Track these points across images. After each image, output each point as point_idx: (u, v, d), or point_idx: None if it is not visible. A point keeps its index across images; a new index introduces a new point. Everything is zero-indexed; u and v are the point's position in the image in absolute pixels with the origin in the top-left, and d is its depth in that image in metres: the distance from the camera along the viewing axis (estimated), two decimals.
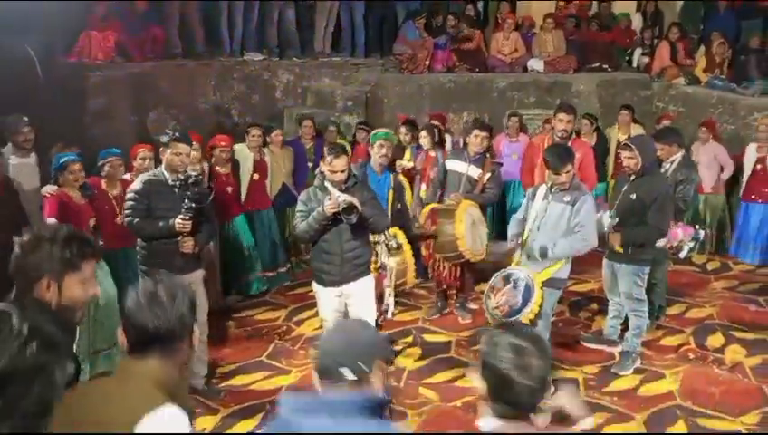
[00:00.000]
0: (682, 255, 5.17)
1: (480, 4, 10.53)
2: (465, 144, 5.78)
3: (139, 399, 1.75)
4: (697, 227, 5.53)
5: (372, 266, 4.70)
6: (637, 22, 10.23)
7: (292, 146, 6.93)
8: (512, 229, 4.63)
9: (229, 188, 5.94)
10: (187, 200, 4.11)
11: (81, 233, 2.29)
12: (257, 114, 8.31)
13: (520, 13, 10.35)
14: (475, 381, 1.88)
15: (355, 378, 1.76)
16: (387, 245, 4.72)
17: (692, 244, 5.13)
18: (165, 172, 4.26)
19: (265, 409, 4.39)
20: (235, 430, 4.20)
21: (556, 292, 4.43)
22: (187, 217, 4.09)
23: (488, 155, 5.68)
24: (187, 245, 4.19)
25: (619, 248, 4.66)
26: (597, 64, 9.48)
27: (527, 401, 1.81)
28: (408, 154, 6.41)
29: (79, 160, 4.67)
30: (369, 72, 9.10)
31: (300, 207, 4.20)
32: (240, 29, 8.60)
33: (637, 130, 7.52)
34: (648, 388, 4.66)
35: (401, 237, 4.82)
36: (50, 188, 4.62)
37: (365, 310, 4.16)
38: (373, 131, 5.76)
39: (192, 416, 1.90)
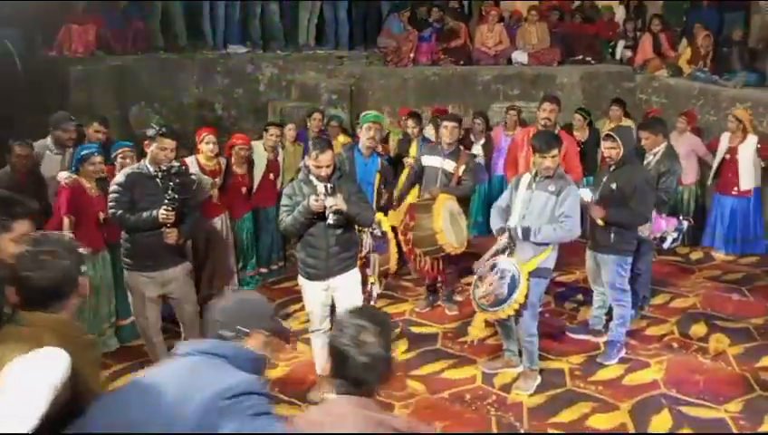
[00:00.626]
0: (666, 245, 5.22)
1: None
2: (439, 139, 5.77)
3: (29, 342, 1.91)
4: (681, 217, 5.59)
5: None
6: (620, 14, 10.27)
7: (299, 139, 6.90)
8: (494, 219, 4.61)
9: (243, 189, 6.00)
10: (170, 191, 4.10)
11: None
12: (241, 108, 8.28)
13: (505, 6, 10.37)
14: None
15: (231, 335, 1.99)
16: (372, 234, 4.71)
17: (675, 234, 5.18)
18: (149, 166, 4.25)
19: None
20: None
21: (543, 281, 4.43)
22: (170, 208, 4.09)
23: (462, 147, 5.68)
24: (171, 236, 4.18)
25: (600, 222, 4.68)
26: (580, 57, 9.54)
27: (363, 377, 1.92)
28: (414, 147, 6.37)
29: (100, 153, 4.79)
30: (353, 65, 9.08)
31: (284, 201, 4.15)
32: (223, 22, 8.54)
33: (628, 124, 7.54)
34: (633, 377, 4.70)
35: (385, 225, 4.82)
36: (64, 175, 4.75)
37: (352, 302, 4.15)
38: (362, 114, 5.74)
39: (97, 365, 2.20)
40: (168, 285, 4.36)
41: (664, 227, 5.06)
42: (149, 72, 7.83)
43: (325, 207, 3.91)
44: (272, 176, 6.32)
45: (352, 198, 4.07)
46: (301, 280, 4.32)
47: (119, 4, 7.89)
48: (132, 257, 4.28)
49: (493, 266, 4.34)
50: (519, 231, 4.28)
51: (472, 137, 7.18)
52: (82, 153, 4.77)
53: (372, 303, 4.90)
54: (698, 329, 5.40)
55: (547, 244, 4.28)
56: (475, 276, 4.45)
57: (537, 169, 4.33)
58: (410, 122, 6.59)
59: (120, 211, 4.15)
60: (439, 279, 5.67)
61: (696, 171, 7.21)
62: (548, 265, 4.39)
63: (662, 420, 4.17)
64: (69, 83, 7.34)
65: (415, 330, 5.45)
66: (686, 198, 7.26)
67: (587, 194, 4.76)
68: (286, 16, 9.06)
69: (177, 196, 4.11)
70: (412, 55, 9.07)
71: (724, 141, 6.97)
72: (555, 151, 4.25)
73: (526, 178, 4.44)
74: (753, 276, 6.50)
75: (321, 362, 4.37)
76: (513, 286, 4.17)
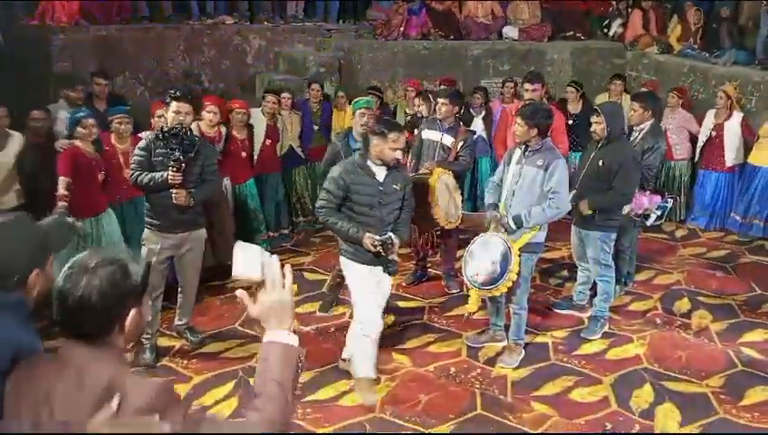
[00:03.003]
0: (649, 222, 5.24)
1: None
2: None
3: None
4: (666, 194, 5.60)
5: None
6: None
7: (299, 109, 6.94)
8: (488, 193, 4.63)
9: (243, 153, 6.07)
10: (176, 152, 4.17)
11: None
12: (228, 80, 8.17)
13: None
14: None
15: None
16: None
17: (659, 212, 5.20)
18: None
19: (238, 376, 4.39)
20: (207, 396, 4.19)
21: (534, 256, 4.47)
22: (176, 169, 4.16)
23: (461, 123, 5.65)
24: (179, 197, 4.24)
25: (588, 212, 4.71)
26: (571, 33, 9.47)
27: (81, 320, 1.63)
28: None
29: (92, 116, 4.91)
30: (342, 39, 8.96)
31: (329, 186, 3.99)
32: None
33: (628, 99, 7.52)
34: (616, 352, 4.76)
35: None
36: (63, 143, 4.92)
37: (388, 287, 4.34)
38: (354, 100, 5.67)
39: None
40: (180, 247, 4.49)
41: (646, 205, 5.08)
42: (134, 43, 7.69)
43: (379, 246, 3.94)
44: (269, 142, 6.38)
45: (407, 192, 4.19)
46: (348, 262, 4.15)
47: None
48: (150, 217, 4.42)
49: (484, 244, 4.35)
50: (511, 222, 4.29)
51: (472, 111, 7.15)
52: (76, 116, 4.86)
53: None
54: (682, 305, 5.46)
55: None
56: (465, 253, 4.46)
57: (518, 138, 4.32)
58: (417, 101, 6.58)
59: (136, 174, 4.29)
60: (430, 253, 5.67)
61: (688, 148, 7.25)
62: (539, 239, 4.43)
63: (644, 395, 4.24)
64: (52, 53, 7.20)
65: (401, 304, 5.46)
66: (677, 175, 7.29)
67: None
68: None
69: (182, 156, 4.18)
70: (402, 29, 8.97)
71: (710, 118, 7.01)
72: (519, 120, 4.28)
73: (518, 152, 4.43)
74: (737, 254, 6.57)
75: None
76: (505, 263, 4.19)
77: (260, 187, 6.40)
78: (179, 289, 4.77)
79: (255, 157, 6.30)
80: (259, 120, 6.32)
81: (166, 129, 4.28)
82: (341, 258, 4.19)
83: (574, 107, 7.35)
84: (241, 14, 8.67)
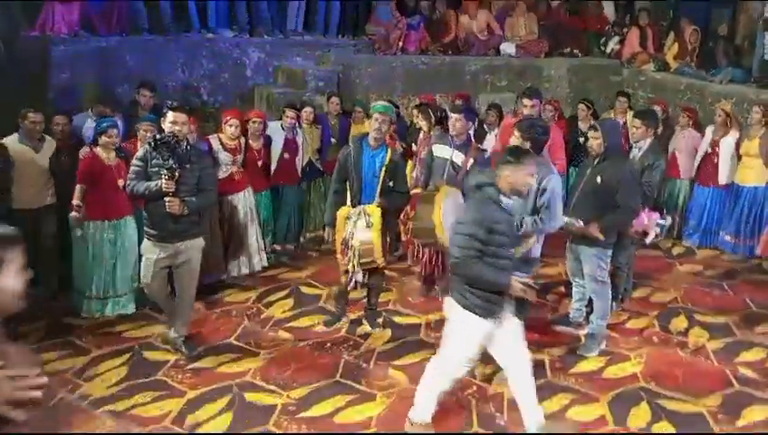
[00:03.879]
0: (648, 240, 5.24)
1: None
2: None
3: None
4: (664, 212, 5.61)
5: (338, 240, 4.73)
6: (608, 7, 10.28)
7: (320, 123, 7.01)
8: None
9: (259, 163, 6.26)
10: (169, 160, 4.28)
11: None
12: (227, 93, 8.18)
13: None
14: None
15: None
16: (356, 222, 4.70)
17: (657, 229, 5.20)
18: None
19: (233, 391, 4.36)
20: (201, 411, 4.16)
21: (528, 271, 4.44)
22: (169, 177, 4.25)
23: (473, 141, 5.63)
24: (173, 205, 4.31)
25: (601, 236, 4.67)
26: (568, 49, 9.54)
27: None
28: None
29: (115, 126, 5.26)
30: (341, 53, 8.99)
31: (472, 229, 3.50)
32: (211, 4, 8.41)
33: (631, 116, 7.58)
34: (613, 370, 4.74)
35: (376, 218, 4.76)
36: (84, 151, 5.30)
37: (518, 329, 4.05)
38: (372, 104, 5.65)
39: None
40: (177, 257, 4.55)
41: (645, 222, 5.08)
42: (133, 54, 7.71)
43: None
44: (287, 155, 6.51)
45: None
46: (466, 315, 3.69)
47: None
48: (149, 226, 4.53)
49: None
50: None
51: (486, 127, 7.17)
52: (102, 125, 5.19)
53: (351, 287, 4.90)
54: (678, 323, 5.45)
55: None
56: None
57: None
58: (415, 112, 6.62)
59: (132, 183, 4.42)
60: (437, 273, 5.64)
61: (694, 167, 7.25)
62: (534, 254, 4.41)
63: (641, 414, 4.21)
64: (51, 64, 7.21)
65: (398, 320, 5.44)
66: (680, 192, 7.33)
67: (575, 222, 4.73)
68: (274, 1, 8.95)
69: (175, 165, 4.26)
70: (401, 44, 9.02)
71: (708, 134, 7.05)
72: (517, 133, 4.29)
73: None
74: (734, 272, 6.58)
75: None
76: None
77: (276, 197, 6.58)
78: (176, 300, 4.77)
79: (273, 168, 6.45)
80: (278, 134, 6.46)
81: (158, 137, 4.40)
82: (463, 313, 3.64)
83: (585, 124, 7.37)
84: (240, 27, 8.70)
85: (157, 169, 4.34)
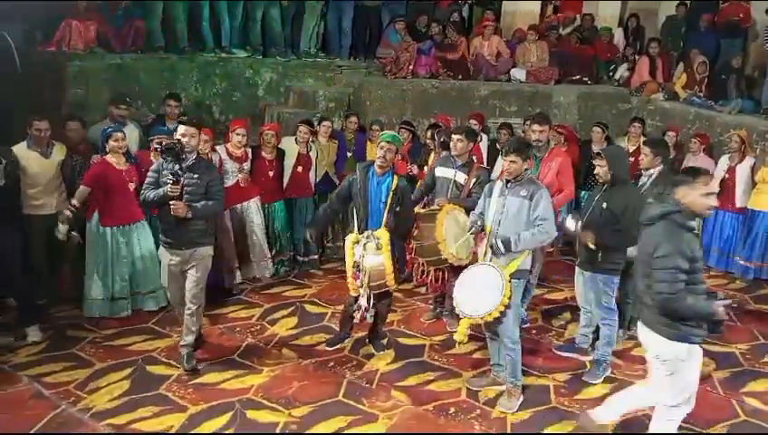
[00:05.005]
0: None
1: (465, 11, 10.58)
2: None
3: None
4: None
5: (349, 264, 4.73)
6: (618, 36, 10.35)
7: (336, 138, 7.14)
8: (471, 219, 4.66)
9: (270, 173, 6.47)
10: (171, 165, 4.53)
11: None
12: (239, 112, 8.25)
13: (504, 20, 10.44)
14: None
15: None
16: (366, 245, 4.71)
17: None
18: None
19: (235, 408, 4.35)
20: (203, 427, 4.15)
21: (521, 282, 4.47)
22: (173, 181, 4.46)
23: (474, 159, 5.67)
24: (177, 208, 4.48)
25: (592, 245, 4.69)
26: (577, 77, 9.60)
27: None
28: (432, 158, 6.34)
29: (121, 130, 5.48)
30: (352, 75, 9.08)
31: (678, 261, 3.43)
32: (225, 25, 8.54)
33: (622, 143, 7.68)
34: None
35: (384, 240, 4.76)
36: (96, 157, 5.50)
37: None
38: (380, 133, 5.73)
39: None
40: (186, 264, 4.73)
41: None
42: (148, 72, 7.82)
43: None
44: (300, 169, 6.67)
45: None
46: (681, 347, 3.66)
47: (120, 3, 7.88)
48: (161, 233, 4.79)
49: (474, 273, 4.36)
50: (500, 245, 4.29)
51: (498, 147, 7.22)
52: (107, 131, 5.40)
53: (360, 315, 4.86)
54: None
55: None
56: (457, 283, 4.46)
57: (504, 170, 4.37)
58: (428, 133, 6.71)
59: (144, 192, 4.68)
60: (440, 290, 5.62)
61: None
62: (525, 266, 4.45)
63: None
64: (67, 79, 7.32)
65: (402, 341, 5.43)
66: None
67: (571, 223, 4.83)
68: (288, 23, 9.07)
69: (179, 170, 4.50)
70: (411, 67, 9.09)
71: (725, 161, 7.21)
72: (513, 157, 4.28)
73: (498, 184, 4.46)
74: (742, 302, 6.53)
75: None
76: (496, 289, 4.22)
77: (290, 209, 6.77)
78: (186, 308, 4.82)
79: (286, 181, 6.62)
80: (291, 148, 6.64)
81: (165, 144, 4.67)
82: (678, 346, 3.61)
83: (599, 147, 7.41)
84: (254, 47, 8.81)
85: (165, 179, 4.54)
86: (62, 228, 5.10)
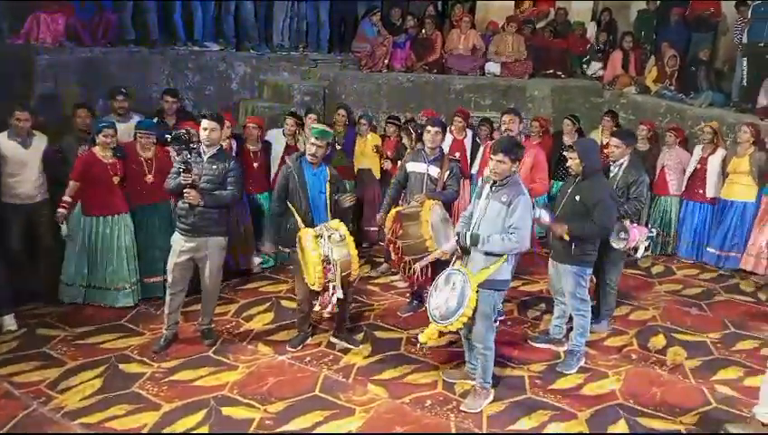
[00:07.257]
0: (639, 254, 5.26)
1: (440, 4, 10.58)
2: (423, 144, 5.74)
3: None
4: (649, 226, 5.66)
5: (317, 259, 4.64)
6: (591, 30, 10.44)
7: None
8: (460, 225, 4.62)
9: (255, 164, 6.52)
10: (184, 153, 4.77)
11: None
12: (212, 105, 8.15)
13: (478, 15, 10.46)
14: None
15: None
16: (330, 238, 4.68)
17: (647, 243, 5.24)
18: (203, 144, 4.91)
19: (210, 405, 4.31)
20: (177, 425, 4.10)
21: (496, 293, 4.35)
22: (184, 169, 4.65)
23: (445, 153, 5.69)
24: (189, 195, 4.68)
25: (566, 236, 4.72)
26: (551, 71, 9.67)
27: None
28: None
29: (113, 126, 5.57)
30: (327, 68, 9.04)
31: None
32: (197, 18, 8.42)
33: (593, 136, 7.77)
34: (592, 387, 4.75)
35: (343, 229, 4.76)
36: (83, 149, 5.62)
37: None
38: (314, 126, 5.64)
39: None
40: (199, 251, 4.88)
41: (637, 237, 5.13)
42: (119, 66, 7.68)
43: None
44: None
45: None
46: None
47: None
48: (178, 220, 4.90)
49: (447, 278, 4.35)
50: (468, 237, 4.25)
51: (478, 140, 7.25)
52: (99, 126, 5.51)
53: (331, 308, 4.83)
54: (657, 341, 5.49)
55: (499, 255, 4.23)
56: (431, 287, 4.46)
57: (490, 170, 4.33)
58: (403, 133, 6.79)
59: (167, 181, 4.85)
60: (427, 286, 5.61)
61: (682, 184, 7.47)
62: (502, 276, 4.31)
63: (619, 431, 4.22)
64: (35, 72, 7.17)
65: (379, 335, 5.43)
66: (669, 209, 7.55)
67: (545, 216, 4.83)
68: (260, 16, 8.98)
69: (187, 156, 4.73)
70: (386, 61, 9.09)
71: (698, 152, 7.34)
72: (500, 156, 4.22)
73: (486, 187, 4.43)
74: (713, 292, 6.65)
75: None
76: (461, 299, 4.18)
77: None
78: (202, 292, 5.05)
79: (273, 173, 6.61)
80: (279, 140, 6.72)
81: (173, 133, 4.98)
82: None
83: (570, 139, 7.52)
84: (227, 40, 8.72)
85: (178, 164, 4.77)
86: (64, 229, 5.39)
